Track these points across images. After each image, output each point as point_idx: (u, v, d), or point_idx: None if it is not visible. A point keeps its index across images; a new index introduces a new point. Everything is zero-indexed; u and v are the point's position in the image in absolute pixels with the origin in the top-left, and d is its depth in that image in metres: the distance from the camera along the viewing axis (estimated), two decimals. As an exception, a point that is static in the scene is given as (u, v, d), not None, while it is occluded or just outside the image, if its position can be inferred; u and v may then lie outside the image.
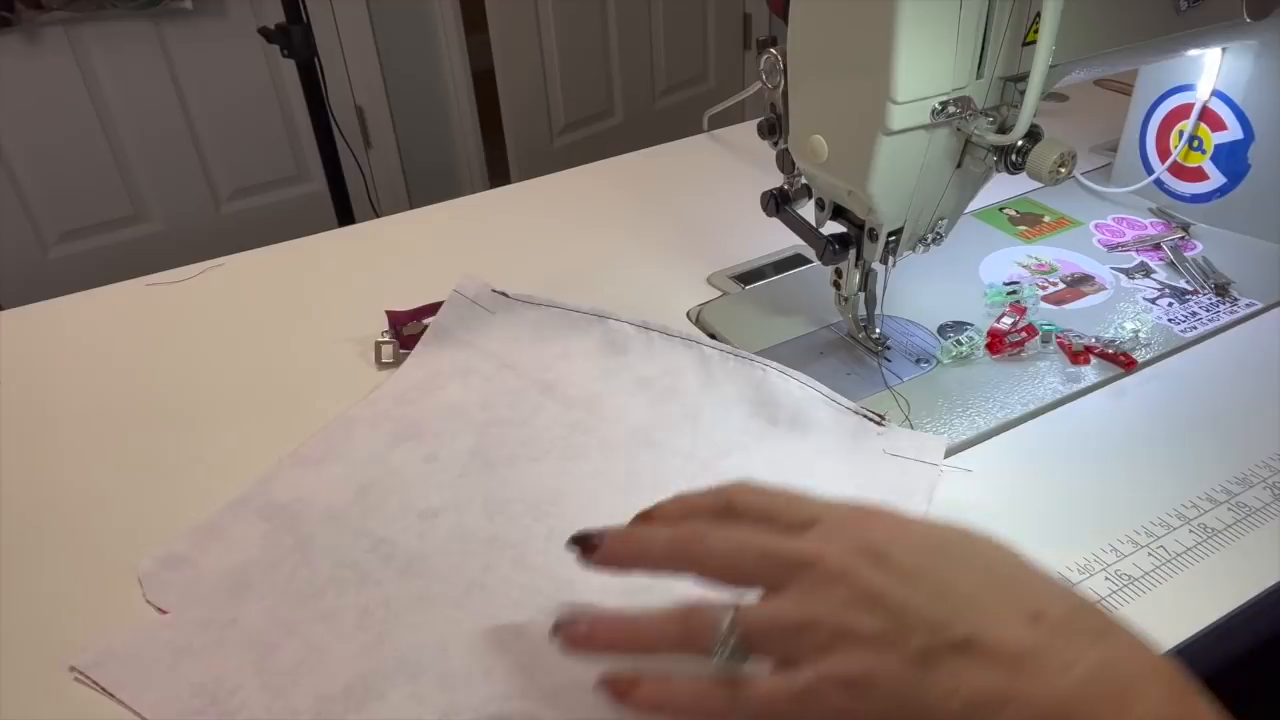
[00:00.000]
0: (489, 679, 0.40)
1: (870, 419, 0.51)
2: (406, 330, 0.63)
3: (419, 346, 0.62)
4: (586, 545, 0.36)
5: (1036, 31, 0.44)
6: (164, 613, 0.45)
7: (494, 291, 0.64)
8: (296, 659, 0.42)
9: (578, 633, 0.35)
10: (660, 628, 0.33)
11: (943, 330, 0.62)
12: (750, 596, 0.32)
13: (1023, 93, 0.46)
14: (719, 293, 0.69)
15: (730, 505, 0.35)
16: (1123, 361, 0.57)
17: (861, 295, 0.58)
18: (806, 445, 0.51)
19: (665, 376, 0.56)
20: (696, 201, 0.84)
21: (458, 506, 0.50)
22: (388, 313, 0.63)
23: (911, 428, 0.53)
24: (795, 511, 0.33)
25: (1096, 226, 0.73)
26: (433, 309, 0.63)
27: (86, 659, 0.42)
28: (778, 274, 0.70)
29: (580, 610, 0.36)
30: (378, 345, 0.62)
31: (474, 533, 0.48)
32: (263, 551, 0.48)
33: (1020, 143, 0.48)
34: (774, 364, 0.54)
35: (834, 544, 0.31)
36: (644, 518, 0.38)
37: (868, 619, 0.29)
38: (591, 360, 0.59)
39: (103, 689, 0.41)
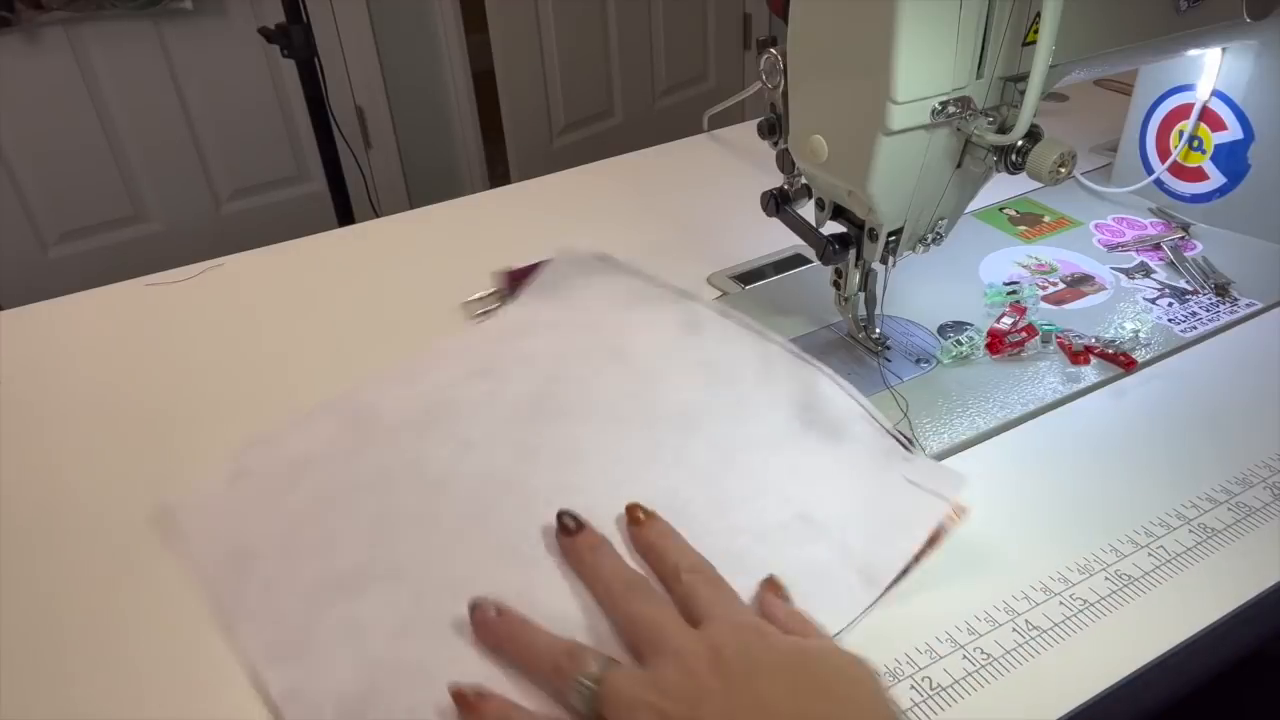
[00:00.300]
0: (455, 598, 0.43)
1: (901, 443, 0.50)
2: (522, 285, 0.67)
3: (524, 294, 0.66)
4: (564, 526, 0.45)
5: (1036, 31, 0.44)
6: (239, 480, 0.52)
7: (595, 255, 0.68)
8: (313, 544, 0.48)
9: (485, 616, 0.41)
10: (545, 652, 0.39)
11: (943, 330, 0.62)
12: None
13: (1023, 93, 0.46)
14: (719, 293, 0.69)
15: (675, 575, 0.42)
16: (1123, 361, 0.57)
17: (861, 295, 0.58)
18: (833, 455, 0.51)
19: (728, 363, 0.57)
20: (696, 201, 0.84)
21: (493, 444, 0.53)
22: (504, 273, 0.67)
23: (911, 427, 0.53)
24: (705, 606, 0.40)
25: (1096, 226, 0.73)
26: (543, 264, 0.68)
27: (169, 502, 0.51)
28: (778, 274, 0.70)
29: (498, 602, 0.42)
30: (482, 298, 0.67)
31: (497, 471, 0.51)
32: (327, 446, 0.54)
33: (1020, 143, 0.48)
34: (827, 370, 0.54)
35: (702, 643, 0.37)
36: (632, 516, 0.46)
37: (684, 714, 0.34)
38: (668, 335, 0.60)
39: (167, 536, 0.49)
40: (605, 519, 0.47)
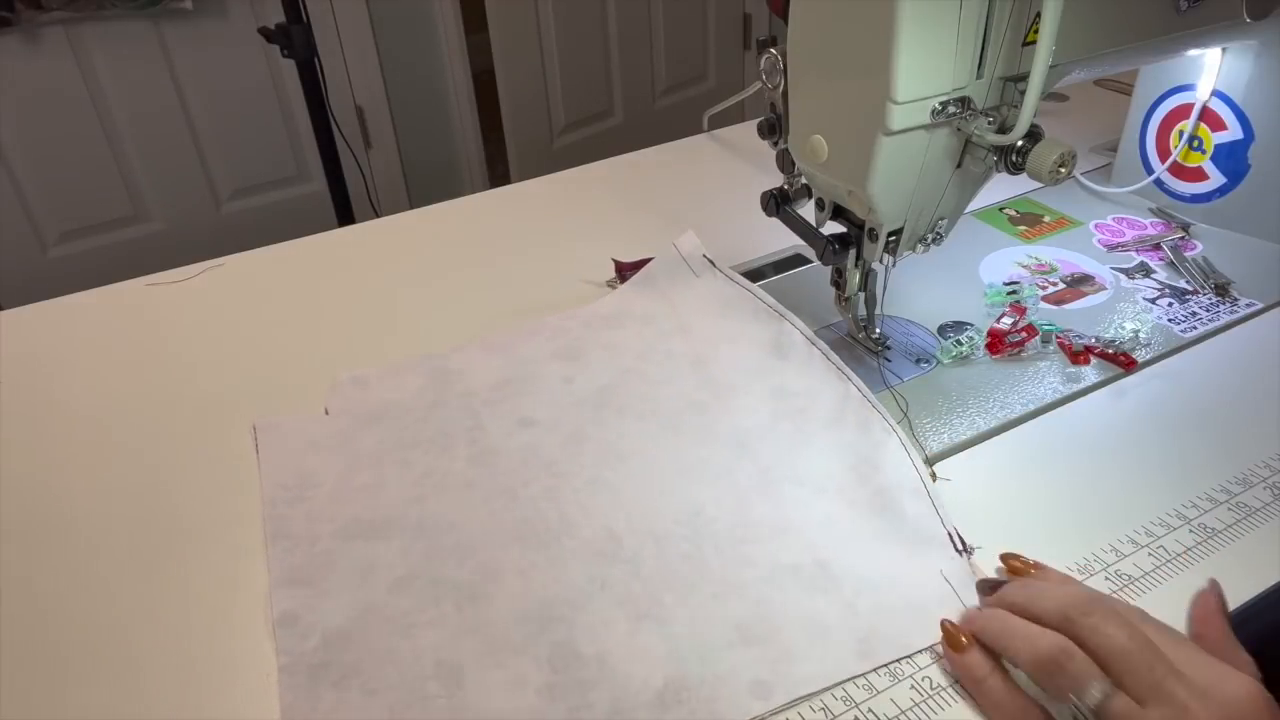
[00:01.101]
0: (459, 563, 0.46)
1: (955, 541, 0.46)
2: (628, 276, 0.69)
3: (627, 285, 0.68)
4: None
5: (1036, 31, 0.44)
6: (327, 413, 0.57)
7: (704, 256, 0.67)
8: (364, 486, 0.51)
9: (986, 595, 0.41)
10: (1040, 649, 0.36)
11: (943, 330, 0.62)
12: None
13: (1023, 93, 0.46)
14: (719, 293, 0.68)
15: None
16: (1123, 361, 0.57)
17: (861, 295, 0.58)
18: (876, 518, 0.48)
19: (802, 396, 0.55)
20: (696, 201, 0.84)
21: (550, 426, 0.55)
22: (614, 261, 0.71)
23: (911, 428, 0.53)
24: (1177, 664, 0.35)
25: (1096, 226, 0.73)
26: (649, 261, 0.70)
27: (265, 421, 0.56)
28: (778, 274, 0.70)
29: (996, 582, 0.42)
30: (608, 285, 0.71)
31: (543, 452, 0.53)
32: (409, 398, 0.58)
33: (1020, 143, 0.48)
34: (900, 432, 0.51)
35: (1207, 707, 0.33)
36: (1014, 568, 0.43)
37: None
38: (754, 354, 0.59)
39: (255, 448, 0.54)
40: (623, 519, 0.48)
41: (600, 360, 0.60)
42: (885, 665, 0.41)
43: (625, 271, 0.70)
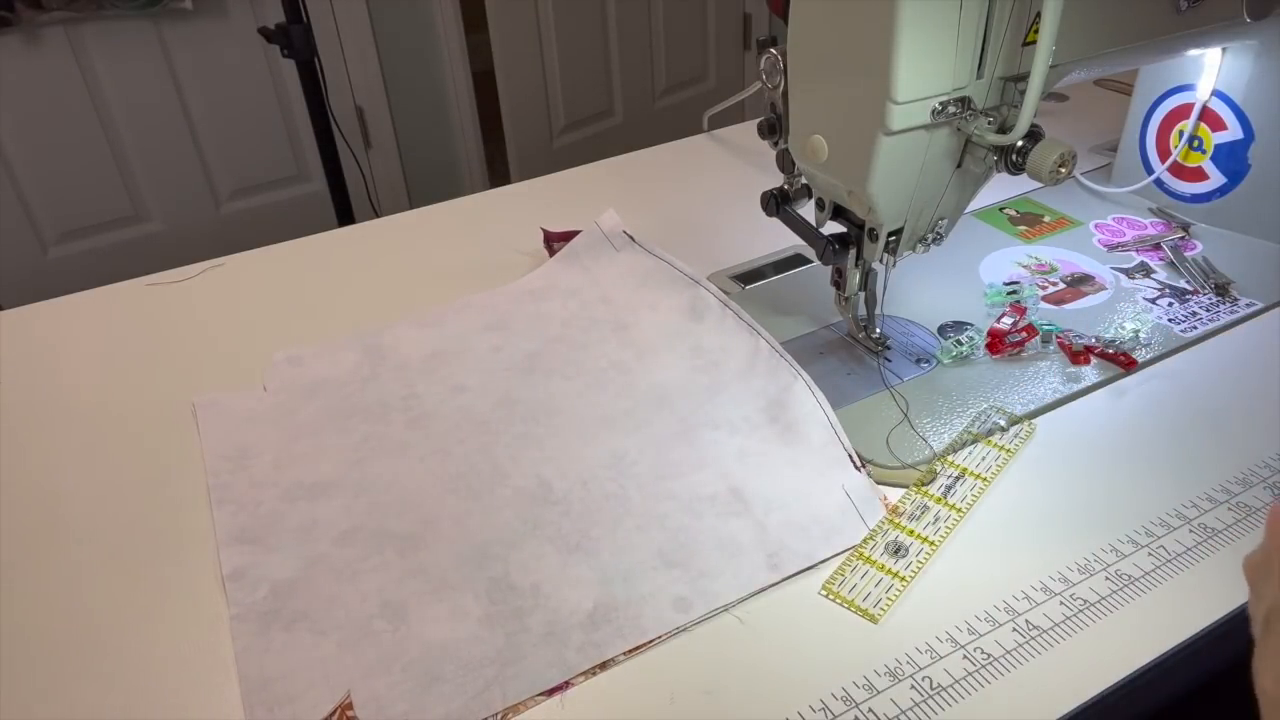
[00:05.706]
0: (400, 515, 0.49)
1: (853, 460, 0.51)
2: (556, 248, 0.72)
3: (552, 260, 0.72)
4: None
5: (1036, 31, 0.44)
6: (265, 390, 0.59)
7: (624, 232, 0.70)
8: (305, 452, 0.54)
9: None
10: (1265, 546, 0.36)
11: (943, 330, 0.62)
12: None
13: (1023, 93, 0.46)
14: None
15: None
16: (1123, 361, 0.57)
17: (861, 295, 0.58)
18: (783, 449, 0.52)
19: (717, 351, 0.60)
20: (696, 201, 0.84)
21: (482, 390, 0.58)
22: (543, 230, 0.74)
23: (912, 427, 0.53)
24: None
25: (1096, 226, 0.73)
26: (577, 234, 0.73)
27: (203, 399, 0.58)
28: (778, 274, 0.70)
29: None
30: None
31: (476, 414, 0.56)
32: (345, 373, 0.61)
33: (1020, 143, 0.48)
34: (805, 375, 0.55)
35: None
36: None
37: None
38: (671, 318, 0.63)
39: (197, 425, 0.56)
40: (552, 468, 0.52)
41: (528, 330, 0.64)
42: (791, 576, 0.45)
43: (553, 241, 0.72)
